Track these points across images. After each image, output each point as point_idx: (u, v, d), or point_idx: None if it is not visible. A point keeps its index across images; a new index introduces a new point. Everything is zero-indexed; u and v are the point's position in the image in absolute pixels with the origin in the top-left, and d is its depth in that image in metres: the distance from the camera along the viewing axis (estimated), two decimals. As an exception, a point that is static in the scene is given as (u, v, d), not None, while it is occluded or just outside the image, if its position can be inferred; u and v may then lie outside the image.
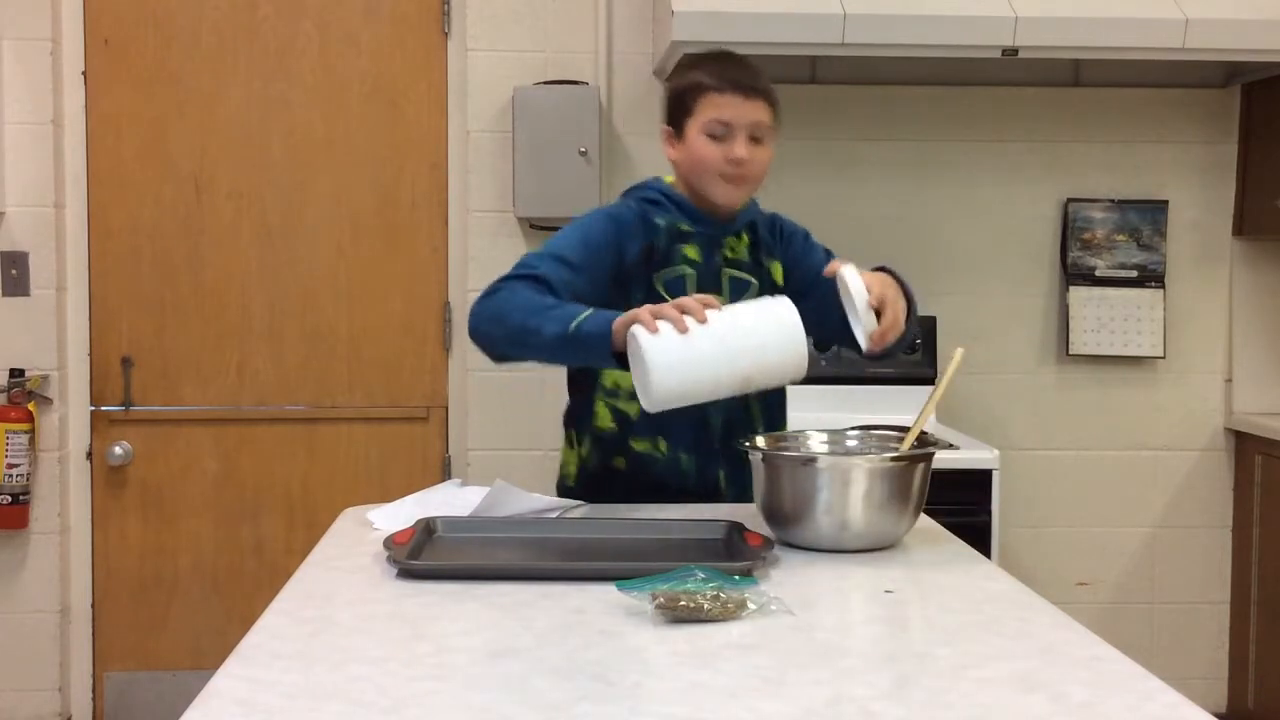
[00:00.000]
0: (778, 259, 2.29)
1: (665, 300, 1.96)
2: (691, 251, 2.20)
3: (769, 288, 2.25)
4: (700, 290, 2.14)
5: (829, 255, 2.29)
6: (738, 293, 2.21)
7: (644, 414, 2.10)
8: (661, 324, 1.81)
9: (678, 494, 2.19)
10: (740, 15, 3.26)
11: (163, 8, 3.74)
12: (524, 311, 2.00)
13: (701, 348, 1.80)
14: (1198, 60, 3.47)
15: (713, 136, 2.15)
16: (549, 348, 1.98)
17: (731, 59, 2.22)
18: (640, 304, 1.92)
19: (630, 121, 3.76)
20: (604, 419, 2.22)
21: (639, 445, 2.20)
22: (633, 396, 2.11)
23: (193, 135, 3.77)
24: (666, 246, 2.19)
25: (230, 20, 3.76)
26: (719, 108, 2.15)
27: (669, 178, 2.28)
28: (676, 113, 2.22)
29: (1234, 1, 3.38)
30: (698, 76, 2.19)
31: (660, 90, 3.73)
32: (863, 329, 1.94)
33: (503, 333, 2.03)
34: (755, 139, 2.16)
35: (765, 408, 2.24)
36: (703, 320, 1.81)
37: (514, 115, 3.67)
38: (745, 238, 2.26)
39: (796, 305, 2.08)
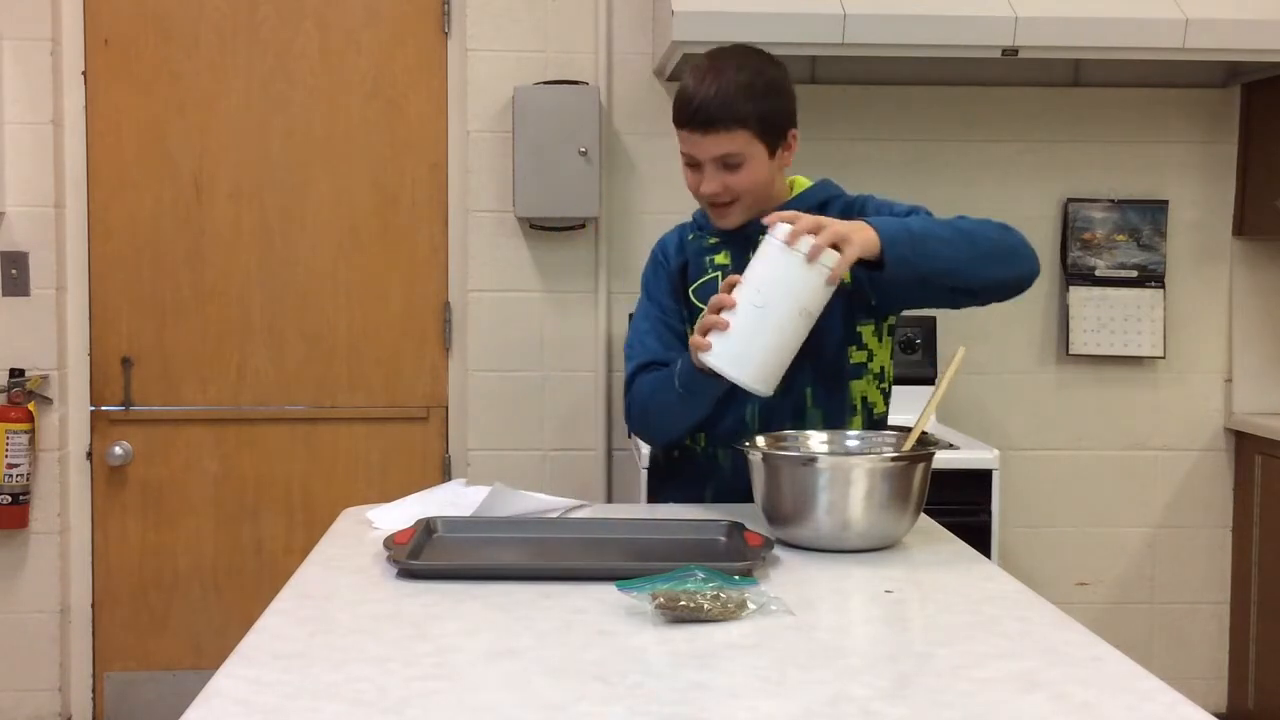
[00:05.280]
0: None
1: (698, 309, 2.09)
2: (721, 258, 2.18)
3: None
4: None
5: (913, 210, 2.09)
6: None
7: None
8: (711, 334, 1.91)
9: (724, 492, 2.16)
10: (740, 15, 3.26)
11: (163, 8, 3.74)
12: (651, 394, 2.12)
13: (746, 327, 1.89)
14: (1198, 60, 3.47)
15: (689, 166, 2.12)
16: (685, 408, 2.08)
17: (702, 80, 2.03)
18: (685, 320, 2.15)
19: (630, 121, 3.76)
20: None
21: (687, 440, 2.22)
22: None
23: (193, 135, 3.77)
24: (696, 260, 2.20)
25: (230, 20, 3.76)
26: (684, 142, 2.09)
27: None
28: None
29: (1234, 1, 3.38)
30: (674, 103, 2.10)
31: (661, 90, 3.74)
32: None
33: (657, 424, 2.16)
34: (729, 166, 2.06)
35: (820, 403, 2.14)
36: (732, 305, 1.90)
37: (514, 115, 3.67)
38: None
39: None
